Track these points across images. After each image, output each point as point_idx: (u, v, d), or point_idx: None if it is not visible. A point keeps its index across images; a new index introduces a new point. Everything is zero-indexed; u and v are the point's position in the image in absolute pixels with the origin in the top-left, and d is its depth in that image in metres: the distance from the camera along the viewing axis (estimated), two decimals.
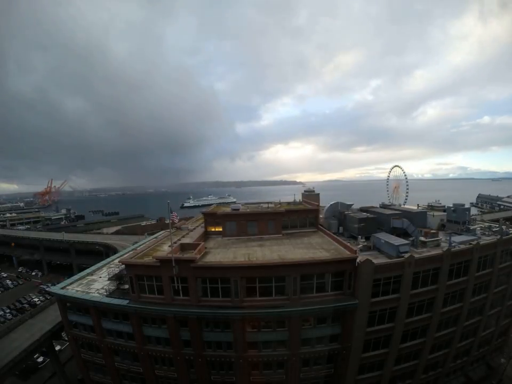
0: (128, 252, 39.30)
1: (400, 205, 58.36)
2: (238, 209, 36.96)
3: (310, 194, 45.67)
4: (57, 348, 42.27)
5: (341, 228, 37.76)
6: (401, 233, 33.42)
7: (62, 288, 30.30)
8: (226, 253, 29.62)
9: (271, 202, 43.08)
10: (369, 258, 25.39)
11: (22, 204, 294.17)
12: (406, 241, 29.16)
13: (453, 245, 30.02)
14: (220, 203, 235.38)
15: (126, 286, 28.28)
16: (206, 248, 30.51)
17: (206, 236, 36.05)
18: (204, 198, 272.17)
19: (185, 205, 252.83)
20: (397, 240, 29.25)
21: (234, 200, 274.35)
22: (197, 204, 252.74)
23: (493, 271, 31.88)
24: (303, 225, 37.11)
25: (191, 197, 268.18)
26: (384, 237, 30.88)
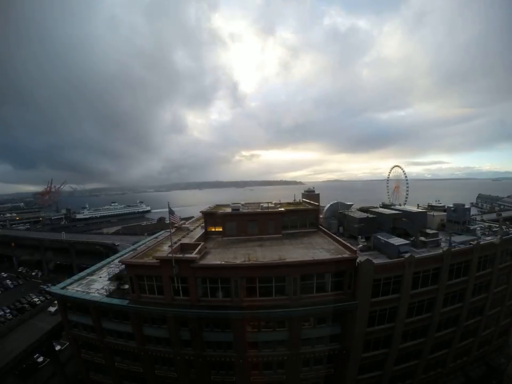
0: (128, 251, 39.32)
1: (400, 205, 58.41)
2: (238, 209, 36.93)
3: (310, 194, 45.54)
4: (57, 347, 42.29)
5: (341, 228, 37.78)
6: (401, 233, 33.43)
7: (62, 288, 30.33)
8: (227, 253, 29.60)
9: (271, 202, 43.02)
10: (369, 258, 25.44)
11: (22, 204, 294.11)
12: (406, 241, 29.18)
13: (453, 245, 30.09)
14: (126, 213, 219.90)
15: (126, 286, 28.34)
16: (206, 248, 30.52)
17: (206, 236, 36.03)
18: (106, 207, 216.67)
19: (78, 216, 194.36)
20: (397, 240, 29.27)
21: (148, 208, 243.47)
22: (94, 215, 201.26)
23: (492, 271, 31.90)
24: (303, 225, 37.06)
25: (87, 206, 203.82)
26: (384, 237, 30.89)
